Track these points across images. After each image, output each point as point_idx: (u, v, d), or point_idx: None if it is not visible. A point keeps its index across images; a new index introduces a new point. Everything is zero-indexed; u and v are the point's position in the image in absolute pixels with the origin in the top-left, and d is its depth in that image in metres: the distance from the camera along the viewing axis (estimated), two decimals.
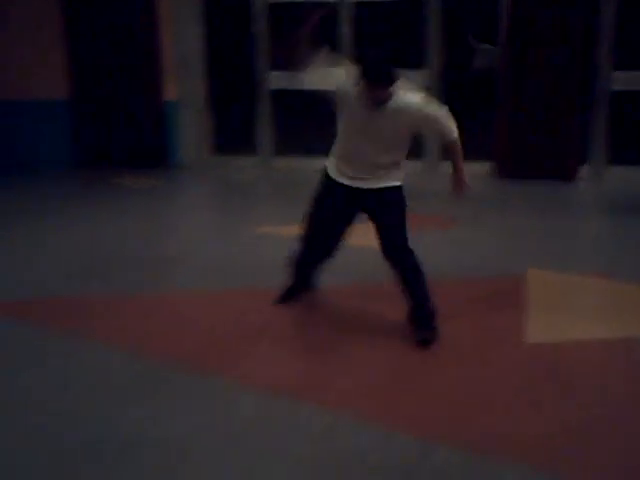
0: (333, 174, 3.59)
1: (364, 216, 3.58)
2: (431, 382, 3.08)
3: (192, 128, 8.15)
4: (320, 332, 3.64)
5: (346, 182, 3.53)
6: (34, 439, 2.66)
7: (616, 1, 6.99)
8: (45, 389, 3.06)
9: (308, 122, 8.27)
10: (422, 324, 3.48)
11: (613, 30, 7.07)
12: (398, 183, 3.55)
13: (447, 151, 3.71)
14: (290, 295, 3.95)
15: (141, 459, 2.52)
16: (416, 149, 7.69)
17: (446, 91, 7.58)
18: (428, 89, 7.52)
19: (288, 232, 5.27)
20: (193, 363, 3.28)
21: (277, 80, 7.97)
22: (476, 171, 7.52)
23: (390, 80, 3.26)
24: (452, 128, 3.55)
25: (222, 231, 5.65)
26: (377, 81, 3.25)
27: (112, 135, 8.12)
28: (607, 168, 7.30)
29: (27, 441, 2.64)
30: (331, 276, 4.03)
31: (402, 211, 3.53)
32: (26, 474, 2.45)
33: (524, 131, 7.21)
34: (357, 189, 3.51)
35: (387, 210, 3.52)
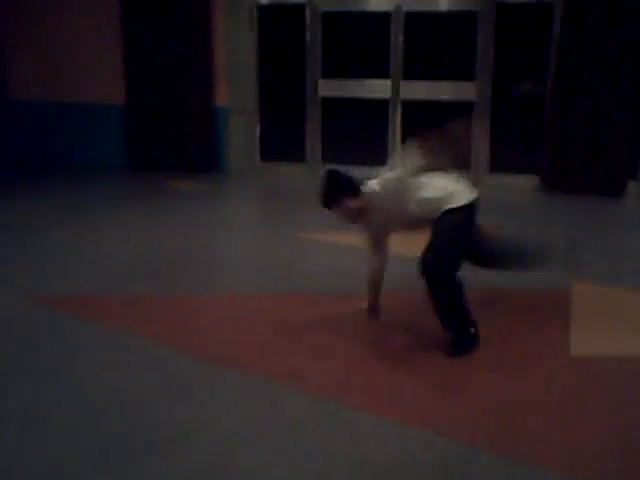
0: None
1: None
2: (478, 390, 3.13)
3: (242, 134, 8.29)
4: (364, 337, 3.70)
5: None
6: (83, 431, 2.76)
7: None
8: (92, 384, 3.17)
9: (356, 131, 8.33)
10: (448, 343, 3.51)
11: None
12: (449, 207, 3.52)
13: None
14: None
15: (189, 454, 2.61)
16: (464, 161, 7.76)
17: (494, 104, 7.60)
18: (477, 103, 7.56)
19: (332, 239, 5.37)
20: (241, 364, 3.37)
21: (327, 88, 8.08)
22: (524, 184, 7.53)
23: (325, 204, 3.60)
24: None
25: (269, 236, 5.76)
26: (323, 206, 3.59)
27: (165, 139, 8.30)
28: None
29: (77, 434, 2.74)
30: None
31: (447, 234, 3.49)
32: (78, 467, 2.55)
33: (572, 145, 7.19)
34: None
35: (435, 231, 3.54)
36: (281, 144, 8.65)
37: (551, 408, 2.96)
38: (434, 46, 8.00)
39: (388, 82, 7.85)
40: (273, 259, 5.04)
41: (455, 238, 3.49)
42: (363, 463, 2.56)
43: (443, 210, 3.51)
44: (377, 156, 8.02)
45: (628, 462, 2.57)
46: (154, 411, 2.92)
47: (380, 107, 7.91)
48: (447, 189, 3.57)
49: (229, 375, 3.25)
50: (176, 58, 8.10)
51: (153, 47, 8.12)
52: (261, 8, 8.15)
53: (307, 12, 7.97)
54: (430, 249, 3.45)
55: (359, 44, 8.24)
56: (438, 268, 3.38)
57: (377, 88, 7.91)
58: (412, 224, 3.62)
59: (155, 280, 4.55)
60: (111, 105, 8.44)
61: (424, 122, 8.00)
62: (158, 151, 8.36)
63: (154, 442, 2.68)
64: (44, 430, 2.77)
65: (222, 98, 8.21)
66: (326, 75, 8.09)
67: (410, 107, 7.87)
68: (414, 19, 7.73)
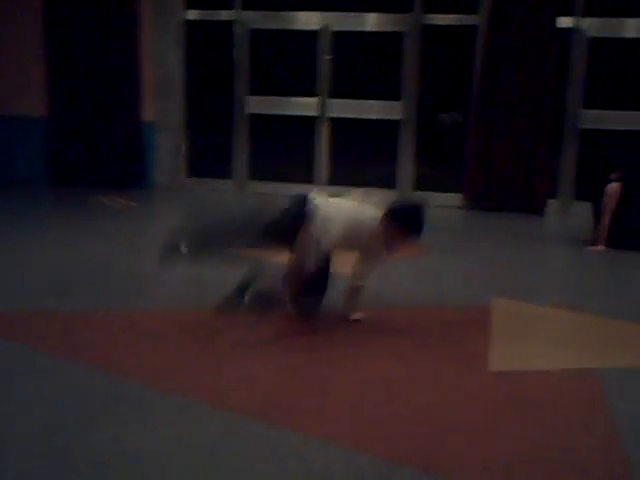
0: None
1: None
2: (396, 406, 3.15)
3: (169, 149, 8.22)
4: (292, 353, 3.70)
5: None
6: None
7: (586, 42, 7.23)
8: (11, 406, 3.07)
9: (284, 147, 8.37)
10: None
11: (583, 70, 7.29)
12: None
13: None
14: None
15: (111, 477, 2.55)
16: (390, 179, 7.87)
17: (419, 123, 7.74)
18: (402, 121, 7.69)
19: (259, 255, 5.34)
20: (162, 381, 3.32)
21: (255, 105, 8.09)
22: (446, 202, 7.67)
23: None
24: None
25: None
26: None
27: (89, 154, 8.16)
28: (574, 203, 7.49)
29: None
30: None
31: None
32: None
33: (495, 164, 7.37)
34: None
35: None
36: (208, 160, 8.62)
37: (470, 424, 3.00)
38: (361, 65, 8.11)
39: (315, 100, 7.91)
40: (195, 275, 4.99)
41: None
42: None
43: None
44: (304, 173, 8.08)
45: (539, 475, 2.62)
46: (70, 434, 2.83)
47: (308, 124, 7.96)
48: None
49: (148, 395, 3.19)
50: (102, 72, 7.99)
51: (78, 60, 7.99)
52: (189, 23, 8.12)
53: (235, 29, 7.98)
54: None
55: (287, 62, 8.29)
56: None
57: (305, 106, 7.96)
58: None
59: (73, 297, 4.45)
60: (33, 118, 8.24)
61: (351, 139, 8.16)
62: (82, 166, 8.21)
63: (71, 467, 2.60)
64: None
65: (149, 113, 8.13)
66: (254, 92, 8.11)
67: (338, 124, 7.95)
68: (341, 38, 7.83)
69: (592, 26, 7.25)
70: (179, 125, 8.25)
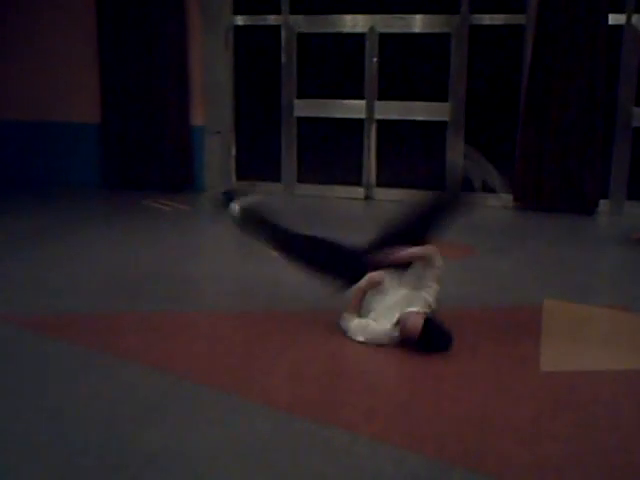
0: None
1: None
2: (447, 406, 3.15)
3: (218, 153, 8.32)
4: (339, 354, 3.73)
5: None
6: (57, 454, 2.74)
7: (638, 38, 7.10)
8: (69, 404, 3.15)
9: (331, 150, 8.40)
10: None
11: (636, 67, 7.17)
12: None
13: None
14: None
15: (163, 475, 2.60)
16: (439, 180, 7.83)
17: (468, 123, 7.70)
18: (450, 122, 7.66)
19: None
20: (212, 381, 3.37)
21: (302, 108, 8.14)
22: (497, 203, 7.61)
23: None
24: None
25: (246, 255, 5.77)
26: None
27: (141, 159, 8.30)
28: (626, 203, 7.36)
29: (50, 456, 2.73)
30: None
31: None
32: None
33: (545, 164, 7.29)
34: None
35: None
36: (257, 163, 8.69)
37: (521, 425, 2.99)
38: (408, 67, 8.10)
39: (363, 102, 7.93)
40: (249, 277, 5.06)
41: None
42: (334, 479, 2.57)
43: None
44: (351, 176, 8.10)
45: (591, 477, 2.60)
46: (124, 432, 2.91)
47: (355, 127, 7.98)
48: None
49: (202, 395, 3.25)
50: (152, 77, 8.12)
51: (129, 66, 8.13)
52: (237, 28, 8.21)
53: (283, 33, 8.05)
54: None
55: (334, 65, 8.32)
56: None
57: (352, 108, 7.98)
58: None
59: (131, 299, 4.55)
60: (87, 124, 8.43)
61: (399, 141, 8.14)
62: (134, 170, 8.35)
63: (123, 464, 2.66)
64: (11, 450, 2.75)
65: (198, 118, 8.24)
66: (301, 95, 8.16)
67: (385, 126, 7.95)
68: (388, 40, 7.83)
69: None
70: (228, 129, 8.35)
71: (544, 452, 2.76)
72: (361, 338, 3.77)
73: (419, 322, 3.57)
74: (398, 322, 3.67)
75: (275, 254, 4.39)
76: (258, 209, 4.35)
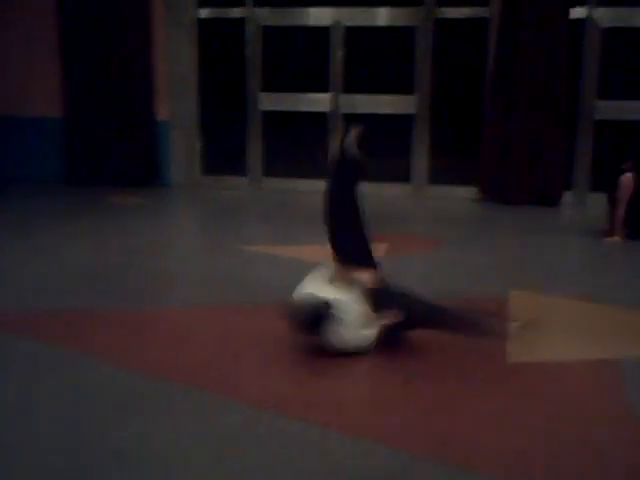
0: None
1: None
2: (415, 399, 3.17)
3: (183, 148, 8.26)
4: (306, 348, 3.72)
5: None
6: (25, 454, 2.70)
7: (599, 32, 7.19)
8: (35, 402, 3.10)
9: (297, 144, 8.39)
10: None
11: (597, 60, 7.26)
12: None
13: None
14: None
15: (133, 472, 2.58)
16: (404, 173, 7.88)
17: (434, 116, 7.74)
18: (416, 115, 7.69)
19: (276, 251, 5.39)
20: (183, 378, 3.35)
21: (268, 101, 8.11)
22: (461, 195, 7.67)
23: None
24: None
25: (211, 249, 5.74)
26: None
27: (104, 154, 8.21)
28: (589, 194, 7.46)
29: (17, 456, 2.68)
30: None
31: None
32: None
33: (509, 157, 7.36)
34: None
35: None
36: (222, 157, 8.65)
37: (487, 416, 3.01)
38: (374, 60, 8.11)
39: (328, 96, 7.92)
40: (216, 271, 5.03)
41: None
42: (305, 474, 2.57)
43: None
44: (318, 168, 8.10)
45: (564, 469, 2.63)
46: (93, 430, 2.87)
47: (320, 120, 7.97)
48: None
49: (172, 391, 3.22)
50: (116, 71, 8.03)
51: (92, 59, 8.04)
52: (201, 22, 8.15)
53: (247, 26, 8.00)
54: None
55: (299, 58, 8.30)
56: None
57: (317, 102, 7.97)
58: None
59: (98, 295, 4.49)
60: (49, 118, 8.31)
61: (364, 134, 8.15)
62: (98, 165, 8.27)
63: (93, 463, 2.63)
64: None
65: (163, 112, 8.17)
66: (267, 89, 8.13)
67: (351, 120, 7.95)
68: (353, 34, 7.83)
69: (605, 16, 7.21)
70: (193, 123, 8.29)
71: (511, 443, 2.78)
72: (352, 347, 3.63)
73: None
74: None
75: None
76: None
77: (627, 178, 5.84)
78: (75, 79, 8.11)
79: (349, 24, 7.81)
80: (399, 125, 7.85)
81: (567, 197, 7.46)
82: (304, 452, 2.71)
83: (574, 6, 7.11)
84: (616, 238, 5.86)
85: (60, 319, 4.09)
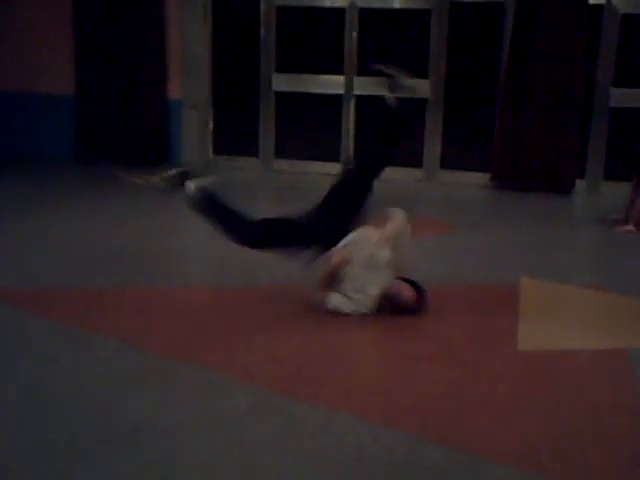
0: None
1: None
2: (424, 383, 3.16)
3: (195, 127, 8.23)
4: (315, 330, 3.72)
5: None
6: (33, 427, 2.71)
7: (618, 19, 7.11)
8: (43, 378, 3.12)
9: (310, 125, 8.35)
10: None
11: (614, 47, 7.18)
12: None
13: None
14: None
15: (140, 448, 2.59)
16: (416, 157, 7.83)
17: (447, 101, 7.68)
18: (430, 100, 7.63)
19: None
20: (190, 356, 3.35)
21: (281, 82, 8.07)
22: (475, 181, 7.63)
23: None
24: None
25: None
26: None
27: (116, 132, 8.19)
28: (603, 183, 7.41)
29: (27, 429, 2.70)
30: None
31: None
32: (27, 461, 2.51)
33: (523, 143, 7.30)
34: None
35: None
36: (234, 138, 8.62)
37: (497, 402, 3.00)
38: (388, 43, 8.04)
39: (342, 78, 7.87)
40: (223, 253, 5.02)
41: None
42: (312, 456, 2.57)
43: None
44: (330, 151, 8.06)
45: (573, 455, 2.62)
46: (103, 407, 2.88)
47: (334, 102, 7.93)
48: None
49: (180, 370, 3.23)
50: (129, 50, 8.00)
51: (105, 38, 8.00)
52: (215, 1, 8.10)
53: (262, 6, 7.95)
54: None
55: (313, 39, 8.25)
56: None
57: (331, 83, 7.93)
58: None
59: (101, 274, 4.50)
60: (61, 96, 8.29)
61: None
62: (109, 143, 8.25)
63: (104, 437, 2.64)
64: None
65: (175, 91, 8.14)
66: (280, 70, 8.08)
67: (364, 102, 7.91)
68: (368, 15, 7.76)
69: (625, 2, 7.12)
70: (205, 103, 8.26)
71: (520, 429, 2.78)
72: (347, 310, 3.78)
73: (412, 293, 3.77)
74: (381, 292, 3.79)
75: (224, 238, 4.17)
76: (213, 191, 4.21)
77: None
78: (88, 57, 8.07)
79: (364, 5, 7.73)
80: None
81: (580, 185, 7.40)
82: (312, 434, 2.71)
83: None
84: (630, 227, 5.82)
85: (70, 297, 4.11)
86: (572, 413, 2.92)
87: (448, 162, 7.77)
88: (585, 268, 5.08)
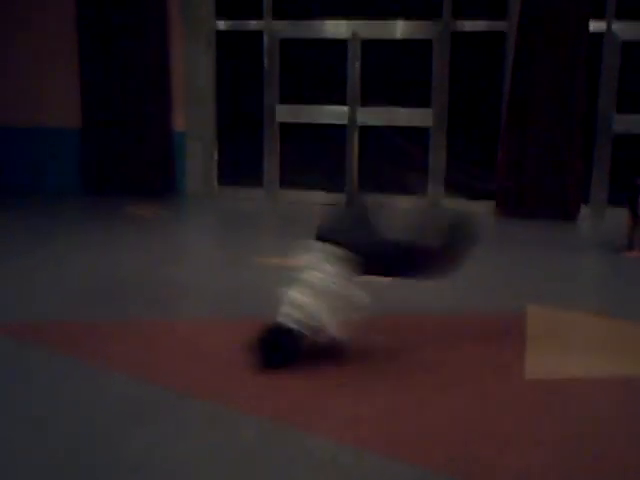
0: None
1: None
2: (431, 413, 3.13)
3: (200, 158, 8.28)
4: (322, 361, 3.70)
5: None
6: (40, 465, 2.69)
7: (618, 46, 7.15)
8: (46, 413, 3.10)
9: (314, 156, 8.38)
10: None
11: (616, 73, 7.22)
12: None
13: None
14: None
15: None
16: (421, 186, 7.85)
17: (449, 130, 7.72)
18: (433, 129, 7.67)
19: (290, 264, 5.37)
20: (196, 390, 3.33)
21: (284, 113, 8.12)
22: (478, 210, 7.63)
23: None
24: None
25: (227, 261, 5.73)
26: None
27: (121, 164, 8.25)
28: (607, 209, 7.41)
29: (32, 467, 2.68)
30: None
31: None
32: None
33: (526, 171, 7.32)
34: None
35: None
36: (239, 169, 8.66)
37: (505, 432, 2.97)
38: (390, 73, 8.10)
39: (345, 108, 7.92)
40: (231, 284, 5.02)
41: None
42: None
43: None
44: (334, 181, 8.09)
45: None
46: (108, 442, 2.86)
47: (338, 132, 7.97)
48: None
49: (186, 404, 3.21)
50: (134, 82, 8.08)
51: (110, 71, 8.09)
52: (219, 33, 8.19)
53: (265, 38, 8.03)
54: None
55: (316, 70, 8.32)
56: None
57: (334, 114, 7.97)
58: None
59: (107, 307, 4.49)
60: (67, 129, 8.36)
61: (381, 147, 8.15)
62: (115, 176, 8.30)
63: (107, 475, 2.62)
64: None
65: (180, 122, 8.20)
66: (284, 101, 8.14)
67: (368, 132, 7.95)
68: (371, 46, 7.83)
69: (624, 29, 7.18)
70: (210, 134, 8.31)
71: (529, 459, 2.74)
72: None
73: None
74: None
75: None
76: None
77: None
78: (93, 90, 8.16)
79: (366, 36, 7.81)
80: (415, 138, 7.84)
81: (585, 211, 7.40)
82: (318, 467, 2.68)
83: (593, 19, 7.06)
84: (636, 252, 5.80)
85: (76, 329, 4.10)
86: (582, 443, 2.89)
87: (451, 190, 7.79)
88: (591, 295, 5.05)
